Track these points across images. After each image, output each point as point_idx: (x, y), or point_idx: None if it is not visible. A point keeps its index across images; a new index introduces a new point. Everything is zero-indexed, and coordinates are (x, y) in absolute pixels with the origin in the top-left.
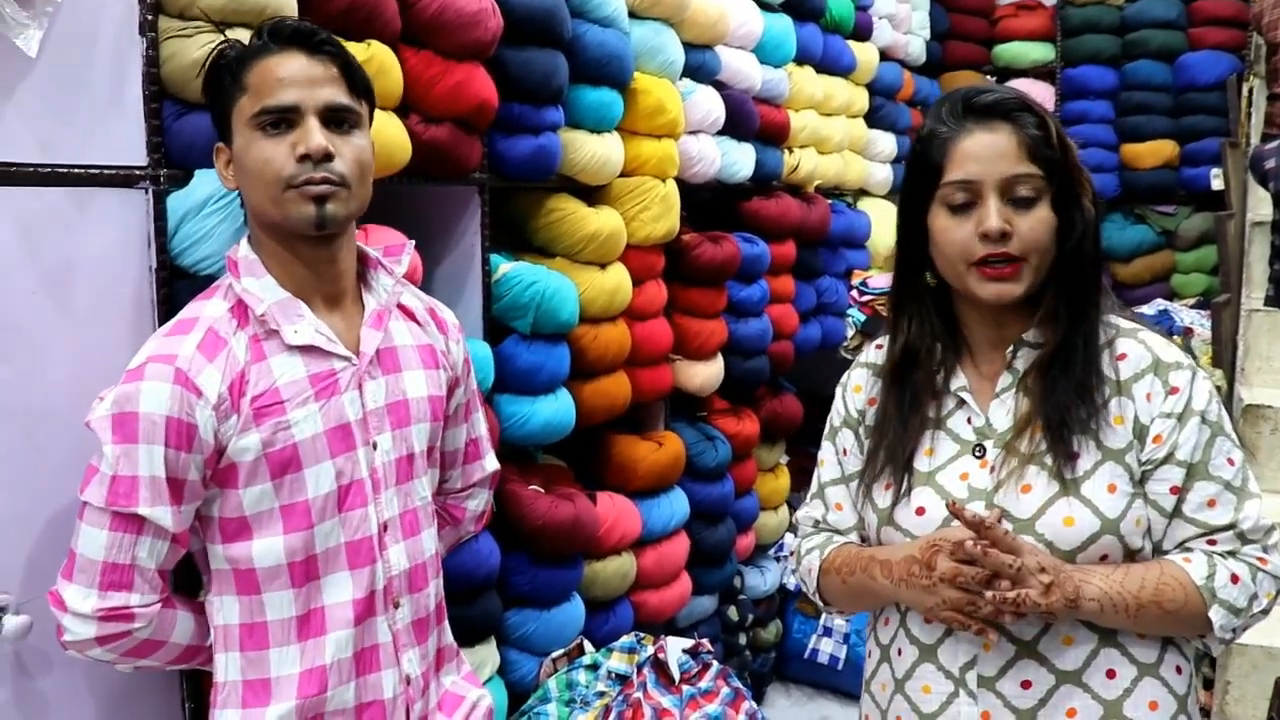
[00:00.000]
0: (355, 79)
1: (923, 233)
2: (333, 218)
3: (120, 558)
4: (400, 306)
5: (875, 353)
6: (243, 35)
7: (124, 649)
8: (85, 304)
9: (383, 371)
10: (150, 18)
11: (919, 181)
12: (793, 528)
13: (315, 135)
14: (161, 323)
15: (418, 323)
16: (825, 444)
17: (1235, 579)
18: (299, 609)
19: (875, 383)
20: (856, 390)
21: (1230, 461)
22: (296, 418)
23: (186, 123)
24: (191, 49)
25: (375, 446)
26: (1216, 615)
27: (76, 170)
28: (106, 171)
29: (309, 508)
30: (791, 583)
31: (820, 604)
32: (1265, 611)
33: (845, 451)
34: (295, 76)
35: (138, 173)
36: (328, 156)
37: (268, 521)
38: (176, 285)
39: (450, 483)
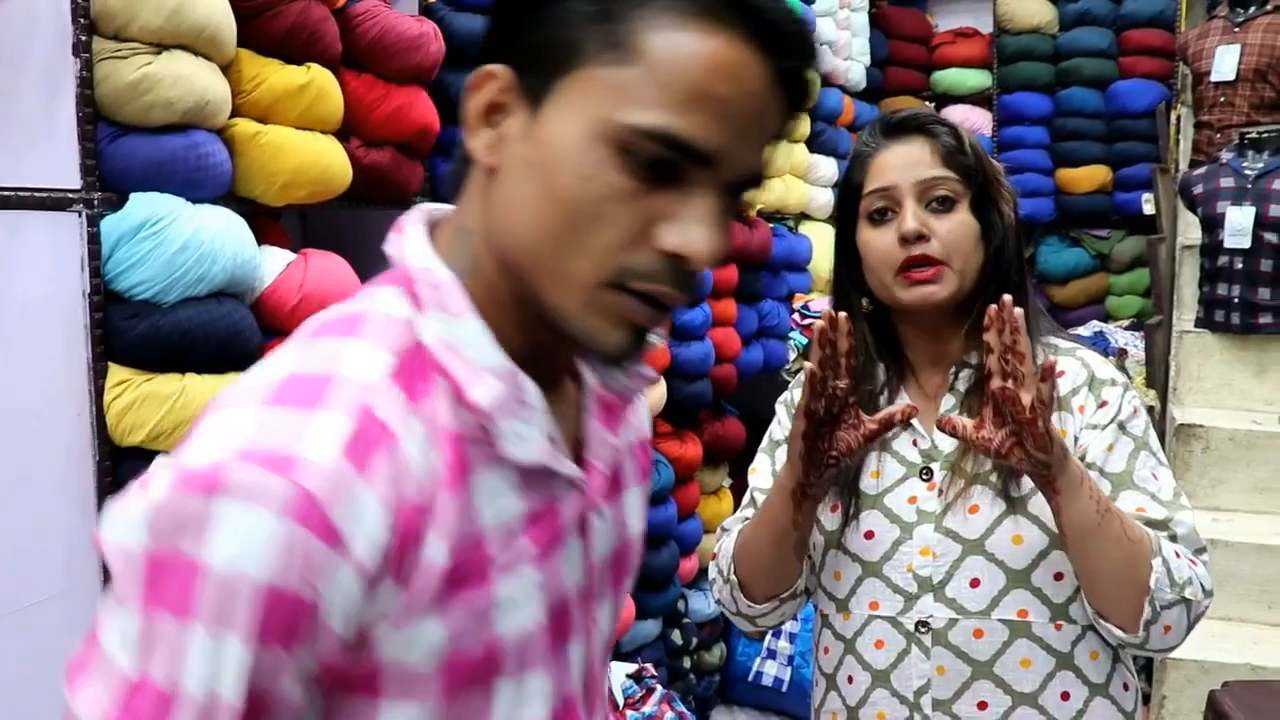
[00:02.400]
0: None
1: (856, 255)
2: (642, 353)
3: None
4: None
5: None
6: (179, 58)
7: None
8: (16, 328)
9: (609, 498)
10: (84, 38)
11: (845, 203)
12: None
13: (712, 230)
14: (95, 347)
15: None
16: (762, 456)
17: (1177, 555)
18: None
19: None
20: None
21: (1155, 476)
22: (506, 594)
23: (121, 145)
24: (126, 71)
25: (595, 627)
26: (1158, 565)
27: (7, 193)
28: (39, 194)
29: None
30: None
31: (732, 594)
32: (1191, 609)
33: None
34: (747, 105)
35: (71, 196)
36: (709, 263)
37: None
38: (111, 310)
39: None
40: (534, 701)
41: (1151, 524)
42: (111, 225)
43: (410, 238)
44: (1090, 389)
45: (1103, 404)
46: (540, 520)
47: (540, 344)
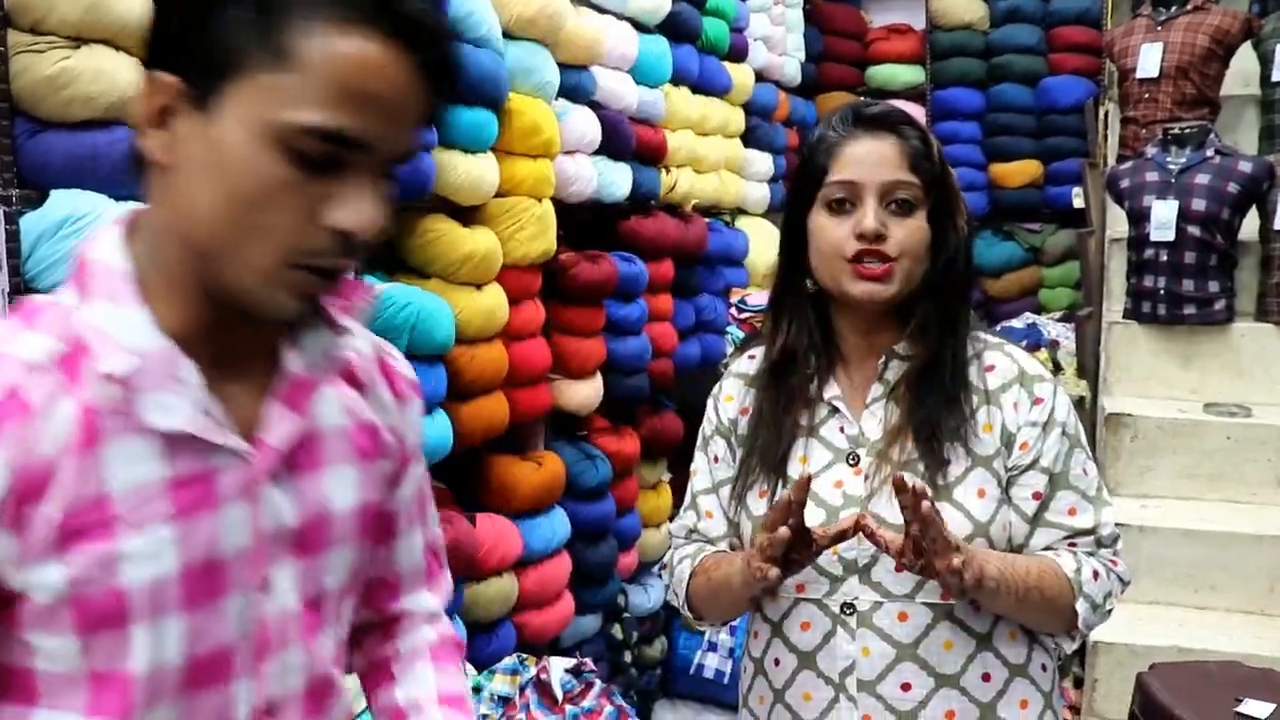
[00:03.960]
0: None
1: (804, 237)
2: (310, 312)
3: None
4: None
5: (747, 363)
6: (99, 52)
7: None
8: None
9: (293, 473)
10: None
11: (804, 183)
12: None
13: (372, 207)
14: None
15: (359, 385)
16: (698, 454)
17: (1096, 575)
18: None
19: (747, 392)
20: (728, 400)
21: (1085, 472)
22: (133, 548)
23: (40, 141)
24: (44, 65)
25: (267, 587)
26: (1081, 608)
27: None
28: None
29: (130, 685)
30: None
31: (686, 613)
32: (1109, 611)
33: (716, 459)
34: (394, 98)
35: None
36: (371, 235)
37: (66, 687)
38: None
39: (404, 625)
40: (171, 644)
41: (1080, 530)
42: (31, 223)
43: (102, 235)
44: (1021, 385)
45: (1037, 401)
46: (188, 485)
47: (220, 327)
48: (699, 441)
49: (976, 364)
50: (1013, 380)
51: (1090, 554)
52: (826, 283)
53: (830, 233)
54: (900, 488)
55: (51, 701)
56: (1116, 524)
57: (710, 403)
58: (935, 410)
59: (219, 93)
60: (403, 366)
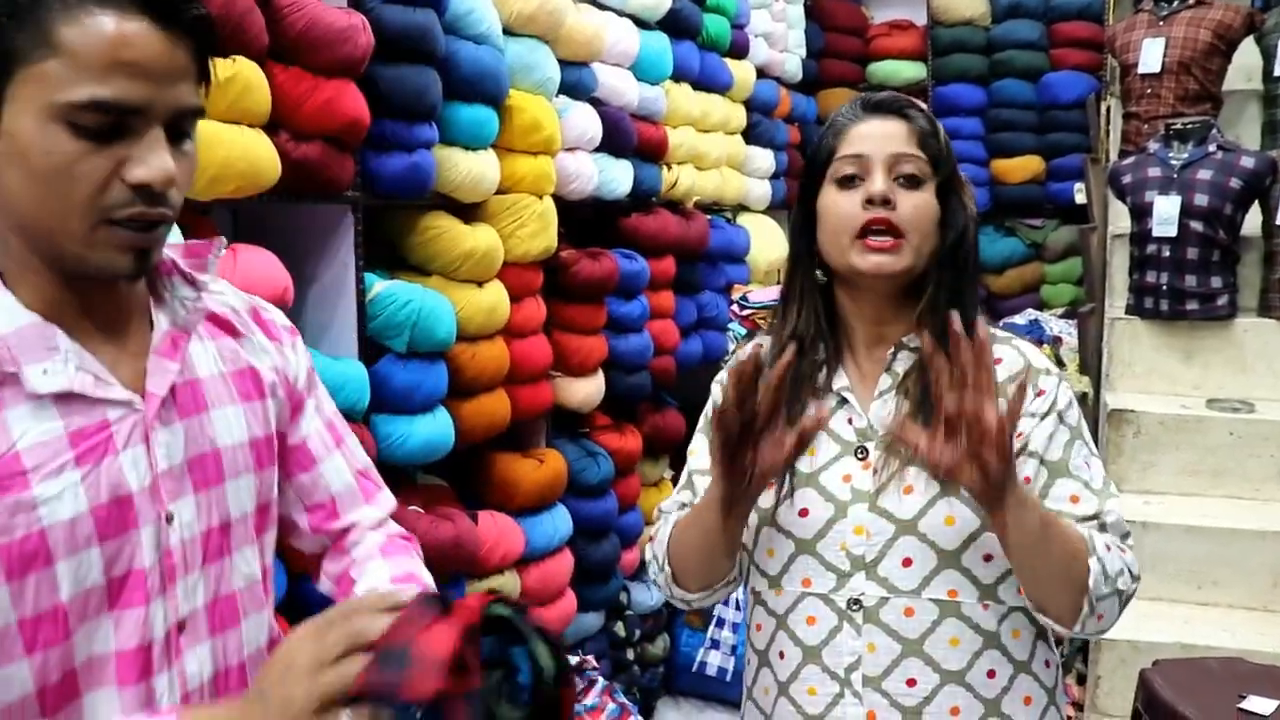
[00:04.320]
0: (206, 71)
1: (815, 224)
2: (146, 268)
3: None
4: (210, 317)
5: (753, 350)
6: None
7: None
8: None
9: (180, 415)
10: None
11: (813, 167)
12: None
13: (161, 159)
14: None
15: (235, 334)
16: (699, 436)
17: (1108, 548)
18: None
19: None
20: None
21: (1088, 464)
22: (47, 493)
23: None
24: None
25: (171, 519)
26: (1094, 566)
27: None
28: None
29: (64, 613)
30: None
31: (666, 576)
32: (1122, 596)
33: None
34: (153, 63)
35: None
36: (168, 178)
37: (7, 640)
38: None
39: (362, 525)
40: (93, 572)
41: (1083, 516)
42: None
43: None
44: (1027, 378)
45: (1040, 393)
46: (86, 435)
47: (81, 296)
48: (701, 423)
49: None
50: (1019, 373)
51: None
52: (836, 260)
53: (840, 205)
54: (945, 330)
55: None
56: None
57: (717, 388)
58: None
59: (3, 92)
60: (276, 315)
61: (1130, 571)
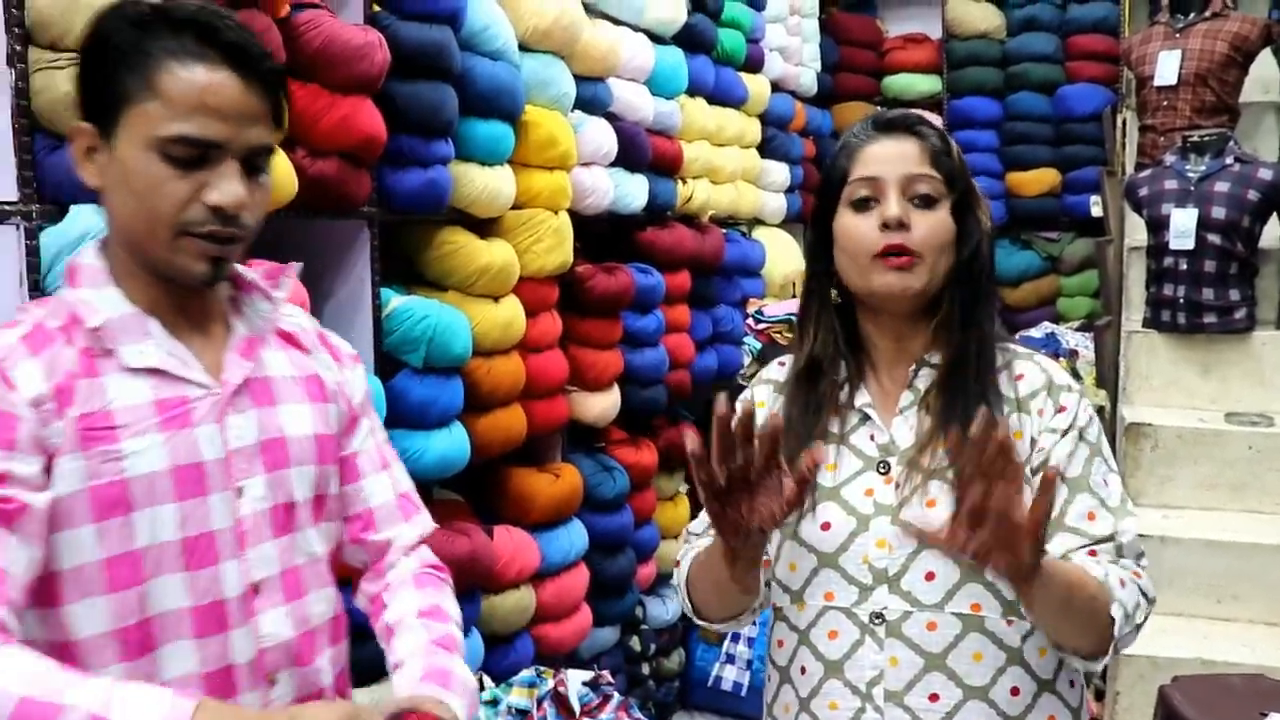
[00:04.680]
0: (279, 115)
1: (830, 245)
2: (220, 275)
3: None
4: (281, 334)
5: (777, 369)
6: None
7: None
8: None
9: (253, 404)
10: (19, 48)
11: (828, 189)
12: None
13: (234, 186)
14: None
15: (303, 349)
16: None
17: (1123, 583)
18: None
19: (778, 399)
20: (760, 405)
21: (1106, 482)
22: (132, 448)
23: (60, 156)
24: (64, 81)
25: (241, 493)
26: (1117, 614)
27: None
28: None
29: (140, 560)
30: None
31: (687, 607)
32: (1139, 626)
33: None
34: (231, 108)
35: (8, 208)
36: (240, 203)
37: (89, 578)
38: None
39: (398, 544)
40: (168, 527)
41: (1100, 537)
42: (51, 238)
43: (85, 248)
44: (1049, 394)
45: (1061, 409)
46: (170, 405)
47: (174, 297)
48: None
49: (1007, 373)
50: (1041, 388)
51: (1113, 562)
52: (854, 281)
53: (856, 229)
54: (970, 430)
55: (80, 591)
56: (1139, 535)
57: (741, 406)
58: (966, 414)
59: (116, 125)
60: (340, 343)
61: (1146, 597)
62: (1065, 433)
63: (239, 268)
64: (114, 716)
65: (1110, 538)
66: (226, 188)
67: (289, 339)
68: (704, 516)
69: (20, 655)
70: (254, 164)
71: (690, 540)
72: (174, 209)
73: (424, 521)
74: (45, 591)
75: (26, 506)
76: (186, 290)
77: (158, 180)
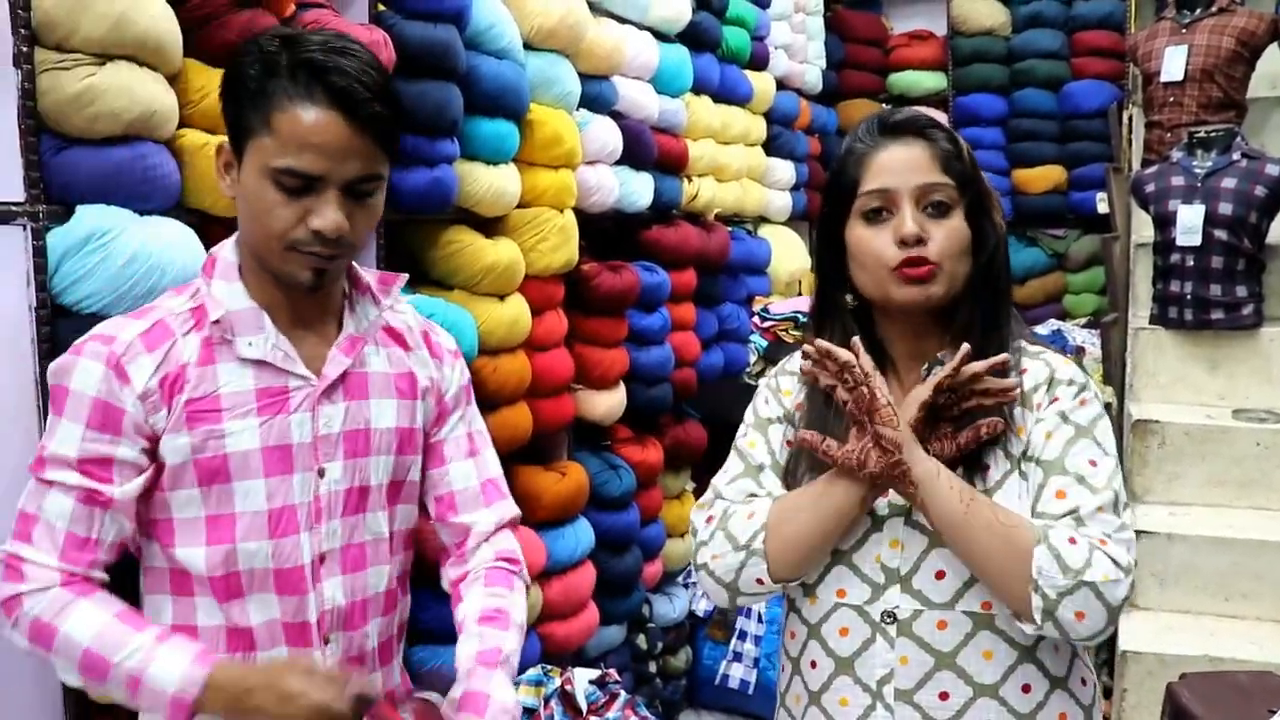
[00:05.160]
0: (389, 146)
1: (841, 250)
2: (323, 283)
3: (29, 506)
4: (388, 330)
5: (800, 360)
6: (124, 69)
7: (23, 623)
8: None
9: (346, 397)
10: (25, 50)
11: (837, 198)
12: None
13: (333, 214)
14: (43, 362)
15: (405, 346)
16: (754, 433)
17: (1073, 540)
18: (227, 620)
19: (802, 389)
20: (786, 394)
21: (1092, 463)
22: (232, 428)
23: (66, 157)
24: (70, 82)
25: (323, 474)
26: (1040, 554)
27: None
28: None
29: (234, 523)
30: (701, 608)
31: (741, 565)
32: (1105, 592)
33: (787, 443)
34: (334, 146)
35: (15, 209)
36: (338, 229)
37: (193, 529)
38: (58, 324)
39: (477, 529)
40: (258, 498)
41: (1064, 512)
42: (58, 238)
43: (227, 241)
44: (1048, 389)
45: (1054, 400)
46: (269, 394)
47: (289, 298)
48: (754, 422)
49: (1014, 373)
50: (1041, 384)
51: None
52: (872, 292)
53: (870, 243)
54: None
55: (186, 538)
56: (1138, 531)
57: (766, 393)
58: (976, 414)
59: (243, 152)
60: (444, 339)
61: (1113, 561)
62: (1048, 419)
63: (360, 270)
64: (146, 678)
65: (1071, 511)
66: (327, 214)
67: (395, 335)
68: (743, 485)
69: (92, 609)
70: (357, 190)
71: (722, 500)
72: (283, 230)
73: (505, 508)
74: (165, 532)
75: (112, 500)
76: (300, 293)
77: (270, 204)
